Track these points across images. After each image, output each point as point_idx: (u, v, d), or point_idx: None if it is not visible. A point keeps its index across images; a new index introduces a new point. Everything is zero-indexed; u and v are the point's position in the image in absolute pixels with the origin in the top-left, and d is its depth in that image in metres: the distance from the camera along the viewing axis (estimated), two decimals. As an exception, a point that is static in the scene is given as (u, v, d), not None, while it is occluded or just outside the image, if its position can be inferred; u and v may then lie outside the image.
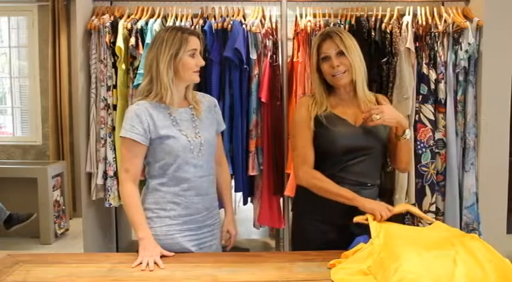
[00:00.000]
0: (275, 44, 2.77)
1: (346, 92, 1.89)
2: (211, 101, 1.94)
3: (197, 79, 1.82)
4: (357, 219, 1.71)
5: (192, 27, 2.68)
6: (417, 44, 2.65)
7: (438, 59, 2.65)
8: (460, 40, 2.65)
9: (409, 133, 1.84)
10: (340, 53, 1.82)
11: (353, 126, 1.85)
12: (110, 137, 2.78)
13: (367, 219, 1.69)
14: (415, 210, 1.88)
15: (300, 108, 1.92)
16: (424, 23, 2.66)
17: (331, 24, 2.69)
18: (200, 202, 1.83)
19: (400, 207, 1.83)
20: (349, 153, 1.82)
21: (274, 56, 2.75)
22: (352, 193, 1.77)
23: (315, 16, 2.75)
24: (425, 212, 2.65)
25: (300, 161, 1.87)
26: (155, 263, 1.63)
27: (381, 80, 2.67)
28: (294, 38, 2.77)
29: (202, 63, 1.81)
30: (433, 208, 2.66)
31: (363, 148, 1.83)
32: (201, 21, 2.72)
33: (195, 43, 1.78)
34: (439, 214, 2.70)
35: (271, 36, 2.75)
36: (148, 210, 1.80)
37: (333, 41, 1.82)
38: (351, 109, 1.89)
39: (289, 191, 2.63)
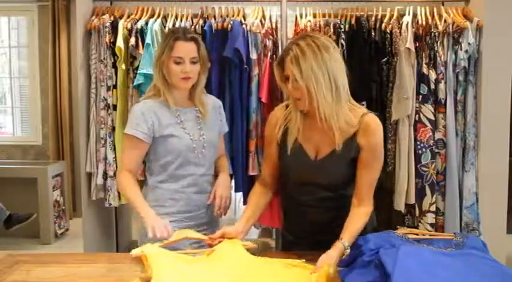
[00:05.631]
0: (275, 44, 2.77)
1: (314, 116, 1.53)
2: (216, 102, 1.95)
3: (183, 86, 1.78)
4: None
5: (192, 27, 2.68)
6: (417, 44, 2.65)
7: (438, 59, 2.65)
8: (460, 40, 2.65)
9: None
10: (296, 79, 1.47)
11: (310, 160, 1.60)
12: (110, 137, 2.78)
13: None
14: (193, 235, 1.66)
15: (269, 122, 1.73)
16: (424, 23, 2.66)
17: (331, 24, 2.69)
18: (200, 199, 1.84)
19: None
20: (303, 186, 1.63)
21: (274, 56, 2.74)
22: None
23: (315, 16, 2.75)
24: (426, 211, 2.66)
25: (260, 175, 1.81)
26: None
27: (381, 80, 2.68)
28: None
29: (189, 70, 1.73)
30: (433, 208, 2.66)
31: (318, 184, 1.61)
32: (201, 21, 2.72)
33: (181, 50, 1.72)
34: (439, 214, 2.69)
35: (271, 36, 2.75)
36: (148, 208, 1.80)
37: (288, 62, 1.48)
38: (318, 136, 1.58)
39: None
